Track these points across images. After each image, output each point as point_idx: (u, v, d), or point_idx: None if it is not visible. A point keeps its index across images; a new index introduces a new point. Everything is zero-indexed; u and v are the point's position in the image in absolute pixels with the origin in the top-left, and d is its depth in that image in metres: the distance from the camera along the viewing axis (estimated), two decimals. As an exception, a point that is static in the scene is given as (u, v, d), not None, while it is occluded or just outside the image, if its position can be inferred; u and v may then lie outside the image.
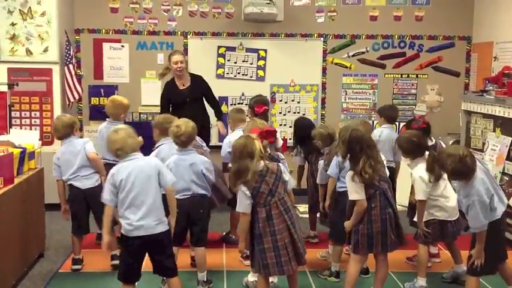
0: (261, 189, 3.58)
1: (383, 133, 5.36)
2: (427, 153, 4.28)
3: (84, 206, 4.60)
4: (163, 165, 3.79)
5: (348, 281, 3.97)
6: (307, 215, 5.55)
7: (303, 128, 5.23)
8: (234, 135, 5.38)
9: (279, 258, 3.56)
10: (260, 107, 4.98)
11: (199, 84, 6.18)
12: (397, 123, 6.75)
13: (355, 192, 3.79)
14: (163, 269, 3.76)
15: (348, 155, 3.82)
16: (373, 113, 7.19)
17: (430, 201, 4.25)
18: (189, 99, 6.02)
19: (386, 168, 4.04)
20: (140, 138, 3.72)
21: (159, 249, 3.66)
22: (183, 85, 6.09)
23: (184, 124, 4.15)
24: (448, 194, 4.27)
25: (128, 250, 3.64)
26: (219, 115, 6.31)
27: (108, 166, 4.97)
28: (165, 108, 6.05)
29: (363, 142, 3.78)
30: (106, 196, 3.59)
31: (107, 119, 5.13)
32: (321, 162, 4.65)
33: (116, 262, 4.59)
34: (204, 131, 5.79)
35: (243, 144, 3.60)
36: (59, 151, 4.65)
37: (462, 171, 3.60)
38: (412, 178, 4.31)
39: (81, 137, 5.00)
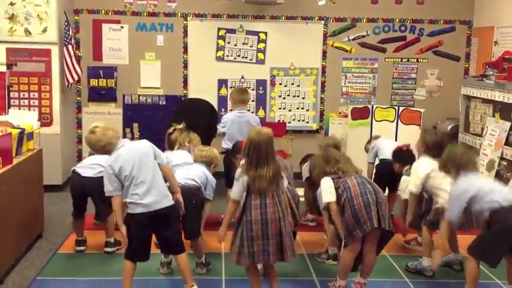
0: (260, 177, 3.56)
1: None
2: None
3: (81, 192, 4.54)
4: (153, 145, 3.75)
5: (341, 266, 3.98)
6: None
7: None
8: (232, 114, 5.42)
9: (267, 246, 3.54)
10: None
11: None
12: (396, 108, 6.75)
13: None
14: (171, 245, 3.78)
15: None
16: (372, 97, 7.19)
17: (435, 190, 4.32)
18: None
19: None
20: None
21: (165, 224, 3.64)
22: None
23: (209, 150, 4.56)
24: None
25: (133, 228, 3.62)
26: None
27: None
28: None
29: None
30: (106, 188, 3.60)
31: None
32: None
33: (109, 249, 4.62)
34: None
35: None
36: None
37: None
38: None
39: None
